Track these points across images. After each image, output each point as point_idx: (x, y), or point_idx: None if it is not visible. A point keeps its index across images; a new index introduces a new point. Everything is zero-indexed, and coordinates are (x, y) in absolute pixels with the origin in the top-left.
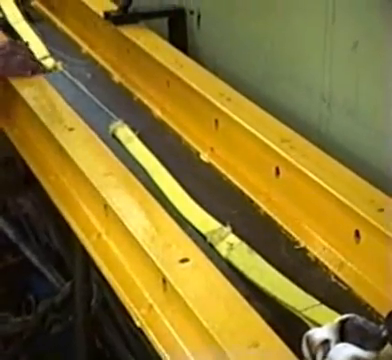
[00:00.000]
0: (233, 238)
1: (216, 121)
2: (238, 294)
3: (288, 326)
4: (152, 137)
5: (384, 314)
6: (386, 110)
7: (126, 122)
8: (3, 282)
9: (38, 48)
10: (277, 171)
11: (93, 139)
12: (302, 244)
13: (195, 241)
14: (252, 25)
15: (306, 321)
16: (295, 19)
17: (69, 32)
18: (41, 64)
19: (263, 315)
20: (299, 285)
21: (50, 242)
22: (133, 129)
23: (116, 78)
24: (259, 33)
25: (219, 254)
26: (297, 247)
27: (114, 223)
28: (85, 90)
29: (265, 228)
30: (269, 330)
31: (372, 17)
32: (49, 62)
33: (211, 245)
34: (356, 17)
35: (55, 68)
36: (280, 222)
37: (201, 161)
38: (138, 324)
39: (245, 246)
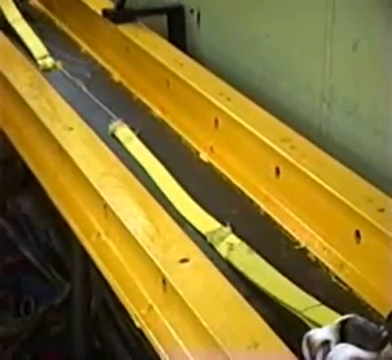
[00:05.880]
0: (233, 238)
1: (216, 120)
2: (238, 294)
3: (288, 326)
4: (152, 137)
5: (385, 314)
6: (386, 110)
7: (126, 121)
8: (2, 282)
9: (37, 47)
10: (277, 171)
11: (92, 139)
12: (302, 244)
13: (195, 241)
14: (252, 24)
15: (306, 321)
16: (295, 18)
17: (68, 31)
18: None
19: (263, 315)
20: (299, 285)
21: (49, 242)
22: (133, 128)
23: (116, 77)
24: (259, 32)
25: (219, 254)
26: (297, 247)
27: (113, 223)
28: (84, 89)
29: (265, 228)
30: (269, 330)
31: (373, 17)
32: (48, 61)
33: (211, 245)
34: (356, 17)
35: (54, 67)
36: (280, 222)
37: (201, 161)
38: (138, 324)
39: (245, 246)
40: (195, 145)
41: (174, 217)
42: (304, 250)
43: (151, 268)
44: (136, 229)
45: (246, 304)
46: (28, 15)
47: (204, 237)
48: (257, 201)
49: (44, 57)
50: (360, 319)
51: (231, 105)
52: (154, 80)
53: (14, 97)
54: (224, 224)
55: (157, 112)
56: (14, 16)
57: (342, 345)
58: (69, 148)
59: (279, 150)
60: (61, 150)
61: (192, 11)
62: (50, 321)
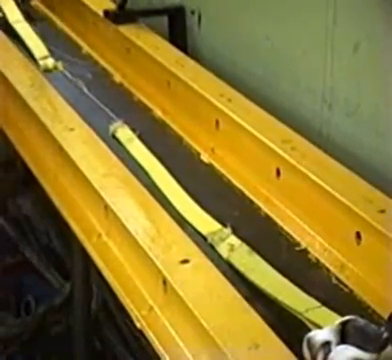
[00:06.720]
0: (234, 239)
1: (217, 122)
2: (239, 295)
3: (289, 328)
4: (152, 138)
5: (385, 316)
6: (387, 111)
7: (126, 122)
8: (2, 283)
9: (38, 48)
10: (278, 172)
11: (93, 139)
12: (303, 245)
13: (196, 242)
14: (253, 26)
15: (307, 323)
16: (296, 20)
17: (69, 32)
18: None
19: (264, 317)
20: (300, 287)
21: (50, 243)
22: (133, 129)
23: (116, 78)
24: (260, 34)
25: (220, 255)
26: (298, 248)
27: (114, 224)
28: (85, 90)
29: (266, 229)
30: (270, 332)
31: (373, 19)
32: (49, 62)
33: (212, 246)
34: (357, 19)
35: (55, 68)
36: (281, 223)
37: (202, 162)
38: (138, 325)
39: (246, 247)
40: (196, 146)
41: (175, 218)
42: (305, 251)
43: (152, 269)
44: (137, 230)
45: (247, 305)
46: (29, 16)
47: (205, 238)
48: (258, 202)
49: (45, 58)
50: (361, 320)
51: (232, 106)
52: (155, 81)
53: (15, 98)
54: (225, 225)
55: (158, 113)
56: (15, 17)
57: (342, 346)
58: (70, 149)
59: (280, 151)
60: (62, 151)
61: (193, 12)
62: (50, 322)
